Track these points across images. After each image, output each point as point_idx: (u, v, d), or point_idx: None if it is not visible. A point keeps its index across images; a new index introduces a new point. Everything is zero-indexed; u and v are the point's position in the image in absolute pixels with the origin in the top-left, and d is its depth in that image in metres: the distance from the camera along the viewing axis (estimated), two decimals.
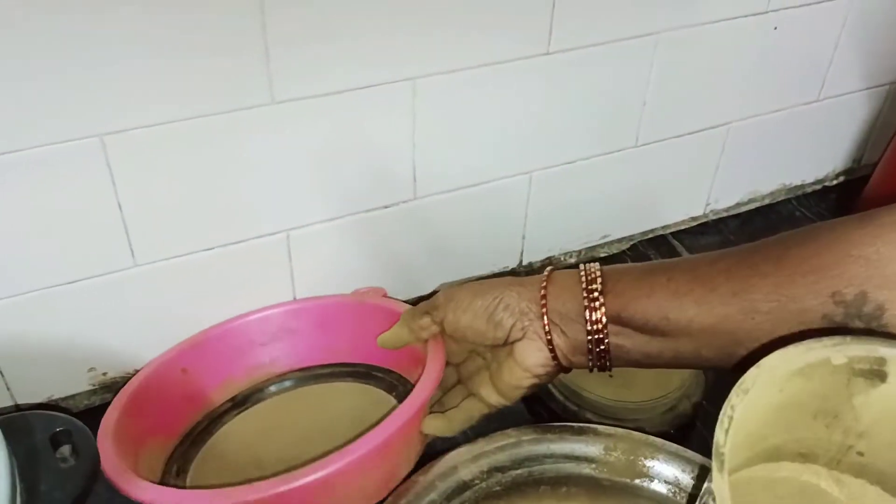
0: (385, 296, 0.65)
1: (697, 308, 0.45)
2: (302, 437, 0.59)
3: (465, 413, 0.52)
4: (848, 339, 0.40)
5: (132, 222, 0.55)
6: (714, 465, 0.36)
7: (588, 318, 0.47)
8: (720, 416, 0.38)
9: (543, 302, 0.49)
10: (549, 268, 0.52)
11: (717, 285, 0.44)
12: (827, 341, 0.40)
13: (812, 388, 0.41)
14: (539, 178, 0.69)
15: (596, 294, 0.47)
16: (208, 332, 0.61)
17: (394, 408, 0.59)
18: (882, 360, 0.40)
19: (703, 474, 0.49)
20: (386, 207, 0.64)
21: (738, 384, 0.39)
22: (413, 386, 0.60)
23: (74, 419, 0.45)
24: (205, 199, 0.57)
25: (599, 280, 0.48)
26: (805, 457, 0.46)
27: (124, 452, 0.50)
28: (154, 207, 0.55)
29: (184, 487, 0.55)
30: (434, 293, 0.72)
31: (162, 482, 0.55)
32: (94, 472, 0.43)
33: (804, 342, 0.41)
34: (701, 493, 0.42)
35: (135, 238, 0.56)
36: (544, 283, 0.50)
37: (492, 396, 0.51)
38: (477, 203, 0.68)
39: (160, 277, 0.58)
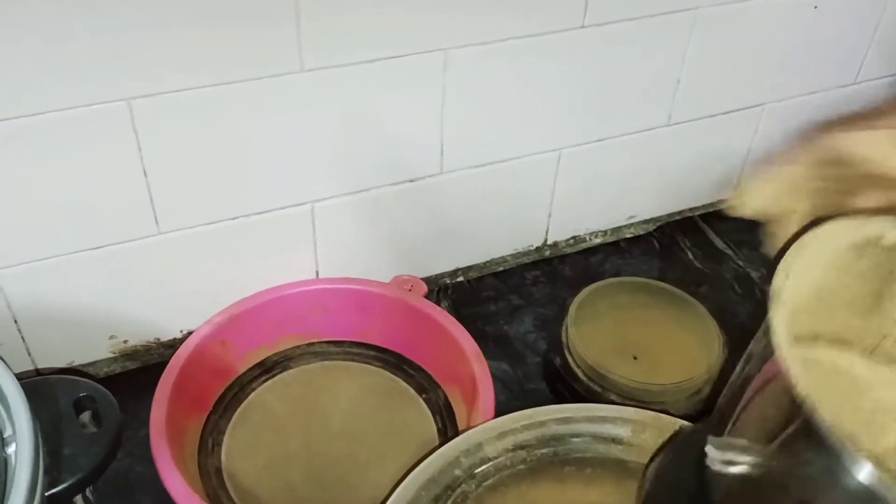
0: (425, 289, 0.64)
1: None
2: (327, 415, 0.59)
3: None
4: None
5: (157, 189, 0.54)
6: (771, 305, 0.34)
7: None
8: (776, 269, 0.36)
9: None
10: None
11: None
12: (883, 218, 0.39)
13: (858, 267, 0.39)
14: (568, 156, 0.68)
15: None
16: (244, 303, 0.60)
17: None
18: None
19: None
20: (412, 181, 0.63)
21: (795, 243, 0.37)
22: (445, 395, 0.60)
23: (98, 385, 0.45)
24: (231, 168, 0.56)
25: None
26: (841, 342, 0.44)
27: (175, 447, 0.51)
28: (179, 174, 0.54)
29: (220, 465, 0.55)
30: (456, 270, 0.72)
31: (199, 460, 0.55)
32: (117, 438, 0.42)
33: (859, 216, 0.39)
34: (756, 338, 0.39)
35: (159, 205, 0.55)
36: None
37: None
38: (504, 179, 0.67)
39: (184, 246, 0.58)
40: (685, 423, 0.50)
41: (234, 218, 0.58)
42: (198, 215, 0.57)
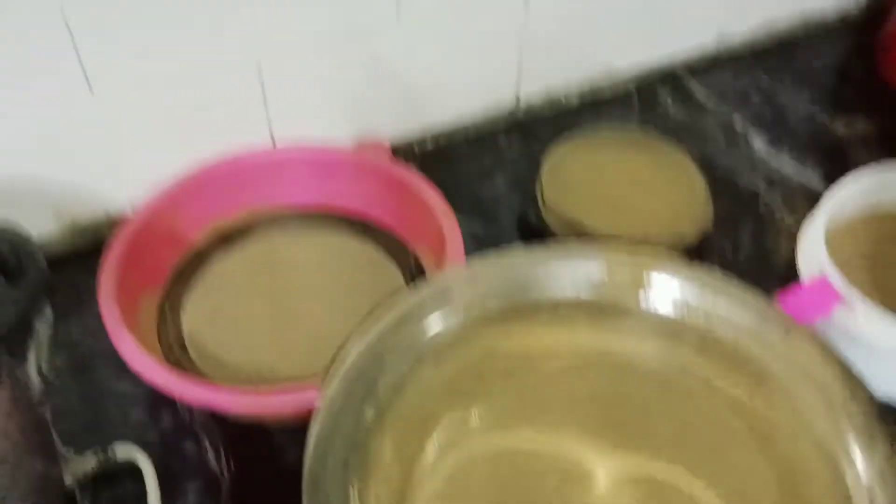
0: (389, 151, 0.60)
1: None
2: (292, 281, 0.57)
3: None
4: None
5: (82, 44, 0.50)
6: None
7: None
8: None
9: None
10: None
11: None
12: None
13: None
14: None
15: None
16: (198, 171, 0.57)
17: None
18: None
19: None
20: (367, 29, 0.58)
21: None
22: (415, 255, 0.57)
23: (17, 232, 0.42)
24: (167, 15, 0.51)
25: None
26: None
27: (129, 315, 0.48)
28: (106, 26, 0.50)
29: (181, 333, 0.53)
30: (424, 136, 0.67)
31: (159, 331, 0.53)
32: (40, 287, 0.39)
33: None
34: None
35: (88, 63, 0.51)
36: None
37: None
38: (467, 26, 0.62)
39: (121, 110, 0.54)
40: (662, 256, 0.47)
41: (176, 75, 0.54)
42: (133, 74, 0.53)
